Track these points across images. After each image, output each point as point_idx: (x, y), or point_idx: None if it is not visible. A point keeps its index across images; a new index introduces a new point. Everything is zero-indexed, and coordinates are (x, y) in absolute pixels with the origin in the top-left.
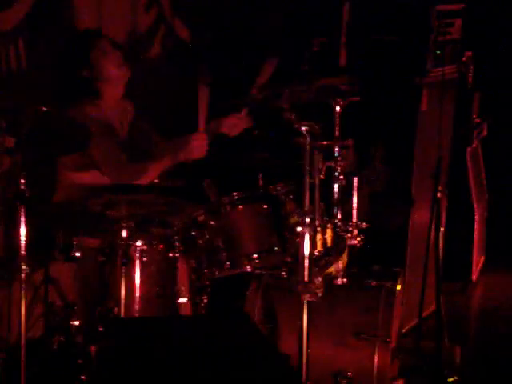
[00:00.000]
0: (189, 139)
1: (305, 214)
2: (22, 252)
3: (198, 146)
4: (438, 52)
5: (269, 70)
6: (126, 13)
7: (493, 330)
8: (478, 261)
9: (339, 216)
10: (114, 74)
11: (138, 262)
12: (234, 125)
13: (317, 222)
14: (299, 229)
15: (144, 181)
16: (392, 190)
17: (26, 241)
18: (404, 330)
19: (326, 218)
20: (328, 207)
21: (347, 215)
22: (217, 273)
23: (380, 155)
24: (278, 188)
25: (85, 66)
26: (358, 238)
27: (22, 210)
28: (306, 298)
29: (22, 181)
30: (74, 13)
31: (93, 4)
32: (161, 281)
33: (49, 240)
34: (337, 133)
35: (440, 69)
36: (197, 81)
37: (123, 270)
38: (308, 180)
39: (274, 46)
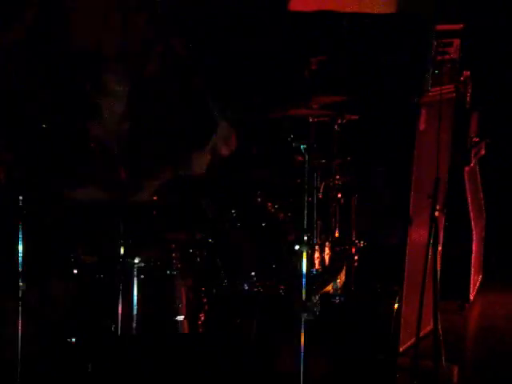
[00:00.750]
0: (189, 155)
1: (303, 232)
2: (20, 268)
3: (199, 164)
4: (437, 71)
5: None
6: (122, 31)
7: (490, 349)
8: (475, 280)
9: (337, 234)
10: (116, 86)
11: (135, 280)
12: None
13: (315, 241)
14: (297, 247)
15: (142, 197)
16: (390, 209)
17: (23, 258)
18: (402, 349)
19: (324, 237)
20: (326, 225)
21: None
22: (214, 290)
23: (379, 174)
24: (277, 206)
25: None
26: (356, 257)
27: (20, 226)
28: (303, 316)
29: (21, 197)
30: (71, 31)
31: (90, 23)
32: (158, 298)
33: (46, 257)
34: (335, 151)
35: (438, 88)
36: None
37: (121, 287)
38: (306, 198)
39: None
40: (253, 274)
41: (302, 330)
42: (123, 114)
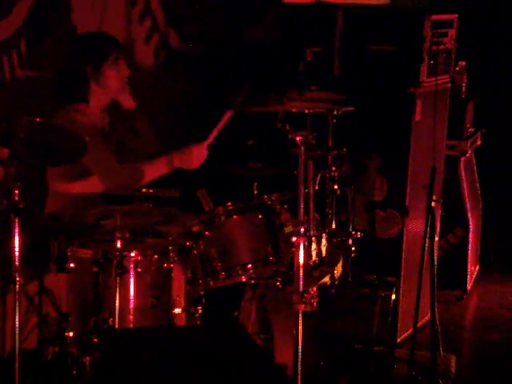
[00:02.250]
0: (187, 148)
1: (299, 224)
2: (16, 263)
3: (198, 157)
4: (432, 62)
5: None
6: (121, 22)
7: (488, 339)
8: (472, 270)
9: (334, 226)
10: (114, 88)
11: (132, 273)
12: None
13: (311, 232)
14: (294, 239)
15: (139, 184)
16: (387, 200)
17: (20, 252)
18: (399, 340)
19: (320, 228)
20: (323, 217)
21: (342, 225)
22: (211, 283)
23: (375, 165)
24: (273, 198)
25: (90, 66)
26: (353, 248)
27: (17, 221)
28: (301, 308)
29: (16, 192)
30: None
31: (90, 16)
32: (155, 291)
33: (43, 251)
34: (331, 142)
35: (433, 78)
36: (231, 101)
37: (118, 281)
38: (302, 190)
39: (267, 56)
40: (250, 266)
41: (299, 322)
42: (107, 105)
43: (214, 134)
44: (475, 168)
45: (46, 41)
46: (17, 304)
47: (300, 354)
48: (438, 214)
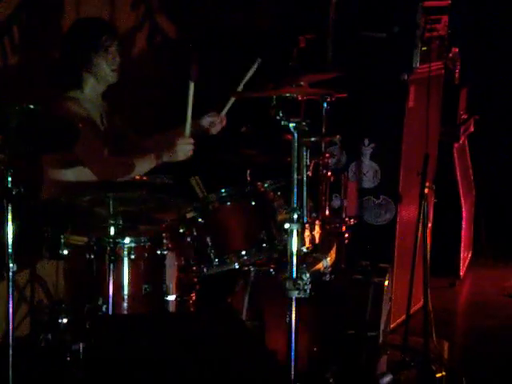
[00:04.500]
0: (173, 141)
1: (293, 211)
2: (9, 250)
3: (183, 150)
4: (425, 48)
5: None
6: (105, 10)
7: (480, 325)
8: (465, 256)
9: (327, 212)
10: (105, 75)
11: (126, 260)
12: (213, 123)
13: (305, 219)
14: (287, 225)
15: (129, 177)
16: (380, 186)
17: (13, 239)
18: (392, 326)
19: (314, 215)
20: (316, 204)
21: (335, 211)
22: (205, 270)
23: (368, 151)
24: (266, 185)
25: (81, 53)
26: (346, 235)
27: (9, 207)
28: (294, 294)
29: (9, 179)
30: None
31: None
32: (149, 278)
33: (36, 238)
34: (324, 129)
35: (426, 65)
36: (186, 80)
37: (111, 268)
38: (296, 176)
39: (261, 43)
40: (243, 252)
41: (293, 308)
42: (103, 93)
43: (188, 123)
44: (468, 154)
45: (39, 27)
46: (10, 291)
47: (294, 340)
48: (431, 200)
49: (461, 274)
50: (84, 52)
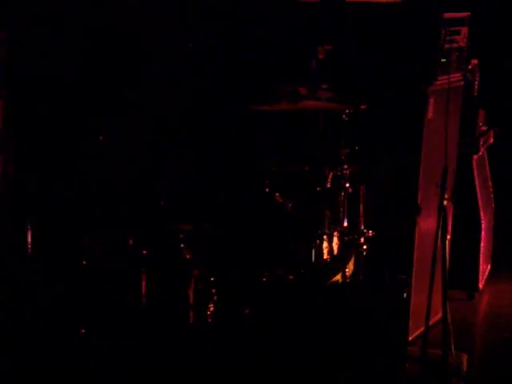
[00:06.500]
0: None
1: (312, 222)
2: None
3: None
4: (444, 60)
5: None
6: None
7: (499, 337)
8: (484, 269)
9: (346, 224)
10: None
11: (144, 270)
12: None
13: (324, 230)
14: (306, 237)
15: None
16: (399, 198)
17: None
18: (411, 338)
19: (332, 226)
20: (335, 215)
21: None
22: (223, 281)
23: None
24: (285, 196)
25: None
26: (365, 246)
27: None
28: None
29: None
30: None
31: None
32: (167, 289)
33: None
34: (343, 140)
35: (446, 76)
36: None
37: (129, 278)
38: (315, 188)
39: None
40: (262, 263)
41: (312, 319)
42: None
43: None
44: (488, 166)
45: None
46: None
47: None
48: (450, 212)
49: (480, 286)
50: None
